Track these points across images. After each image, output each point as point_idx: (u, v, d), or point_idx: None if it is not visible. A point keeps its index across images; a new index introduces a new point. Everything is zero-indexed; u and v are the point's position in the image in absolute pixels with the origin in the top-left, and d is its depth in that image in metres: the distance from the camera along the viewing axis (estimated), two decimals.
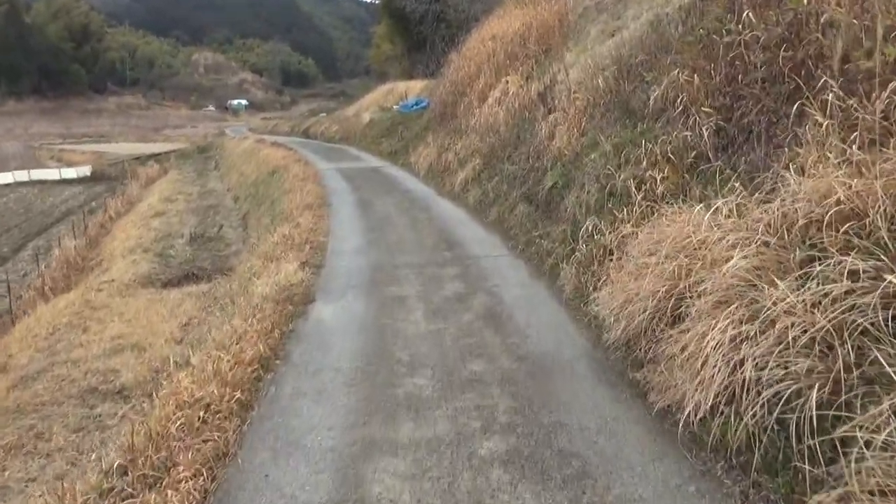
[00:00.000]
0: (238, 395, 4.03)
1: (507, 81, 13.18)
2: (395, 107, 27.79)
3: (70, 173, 45.74)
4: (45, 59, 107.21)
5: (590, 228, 5.99)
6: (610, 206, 5.88)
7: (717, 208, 4.14)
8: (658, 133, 6.23)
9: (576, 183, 7.41)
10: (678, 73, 6.41)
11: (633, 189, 5.59)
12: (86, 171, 45.84)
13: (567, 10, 15.77)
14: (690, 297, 3.68)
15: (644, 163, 5.86)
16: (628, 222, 5.28)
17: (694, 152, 5.47)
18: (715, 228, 3.91)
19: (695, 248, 3.91)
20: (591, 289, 5.35)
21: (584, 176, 7.31)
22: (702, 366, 3.24)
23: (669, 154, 5.66)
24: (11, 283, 17.16)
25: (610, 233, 5.48)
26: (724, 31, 5.95)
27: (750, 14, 5.53)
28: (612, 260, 5.20)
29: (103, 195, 34.88)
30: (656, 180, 5.43)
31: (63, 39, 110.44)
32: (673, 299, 3.84)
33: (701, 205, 4.43)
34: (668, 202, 5.11)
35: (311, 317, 5.71)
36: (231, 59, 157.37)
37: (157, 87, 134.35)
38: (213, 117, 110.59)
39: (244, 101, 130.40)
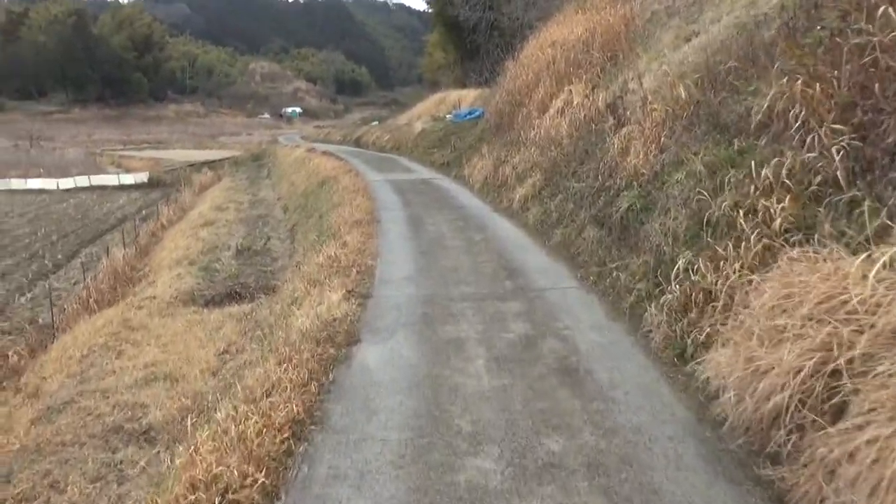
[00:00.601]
0: (262, 478, 3.26)
1: (571, 91, 12.28)
2: (447, 116, 27.14)
3: (128, 179, 46.70)
4: (108, 69, 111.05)
5: (683, 265, 5.06)
6: (709, 239, 4.93)
7: (870, 254, 3.20)
8: (766, 153, 5.26)
9: (658, 207, 6.47)
10: (787, 82, 5.44)
11: (741, 220, 4.64)
12: (143, 177, 46.70)
13: (634, 15, 14.81)
14: (854, 379, 2.74)
15: (750, 188, 4.89)
16: (738, 262, 4.33)
17: (819, 177, 4.49)
18: (878, 285, 2.96)
19: (852, 310, 2.97)
20: (688, 341, 4.42)
21: (668, 199, 6.36)
22: (886, 489, 2.32)
23: (785, 179, 4.69)
24: (63, 291, 17.10)
25: (712, 273, 4.54)
26: (850, 31, 4.97)
27: (891, 10, 4.55)
28: (716, 308, 4.27)
29: (158, 202, 35.27)
30: (771, 211, 4.47)
31: (126, 49, 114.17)
32: (825, 378, 2.91)
33: (832, 245, 3.50)
34: (790, 239, 4.15)
35: (354, 363, 4.93)
36: (286, 68, 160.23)
37: (215, 96, 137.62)
38: (268, 125, 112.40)
39: (298, 109, 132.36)
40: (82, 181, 46.56)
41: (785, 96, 5.24)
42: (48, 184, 46.12)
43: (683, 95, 7.81)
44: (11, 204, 38.59)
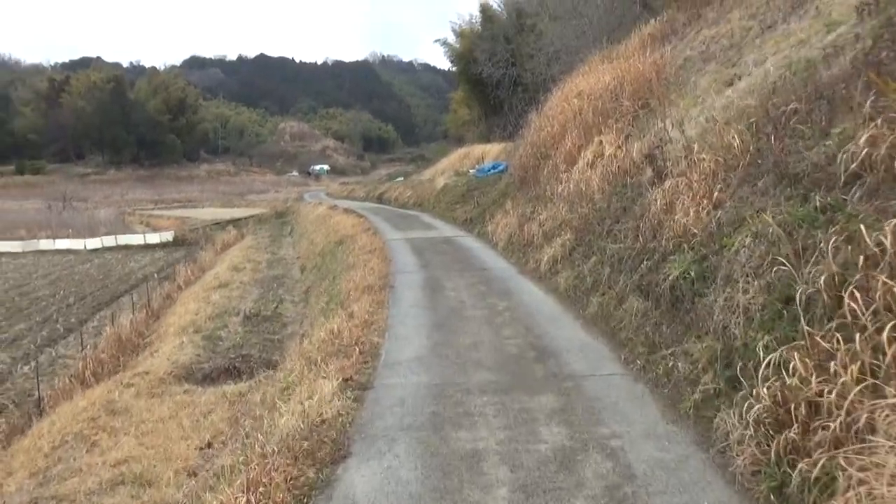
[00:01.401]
0: None
1: (601, 142, 11.29)
2: (470, 171, 26.40)
3: (153, 238, 46.74)
4: (144, 131, 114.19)
5: (765, 355, 3.85)
6: (806, 326, 3.72)
7: None
8: (862, 211, 4.10)
9: (719, 276, 5.30)
10: (882, 123, 4.35)
11: (850, 301, 3.45)
12: (168, 236, 46.72)
13: (665, 62, 13.93)
14: None
15: (858, 258, 3.72)
16: (855, 364, 3.13)
17: None
18: None
19: None
20: (793, 474, 3.19)
21: (731, 267, 5.20)
22: None
23: None
24: (69, 359, 16.22)
25: (815, 376, 3.34)
26: None
27: None
28: (830, 430, 3.05)
29: (180, 261, 34.92)
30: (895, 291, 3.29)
31: (161, 112, 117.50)
32: None
33: None
34: None
35: (336, 494, 3.76)
36: (315, 127, 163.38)
37: (246, 155, 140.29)
38: (296, 182, 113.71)
39: (326, 167, 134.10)
40: (109, 241, 46.71)
41: (889, 139, 4.12)
42: (76, 244, 46.37)
43: (736, 143, 6.73)
44: (37, 265, 38.62)
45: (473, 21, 44.65)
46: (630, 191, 9.04)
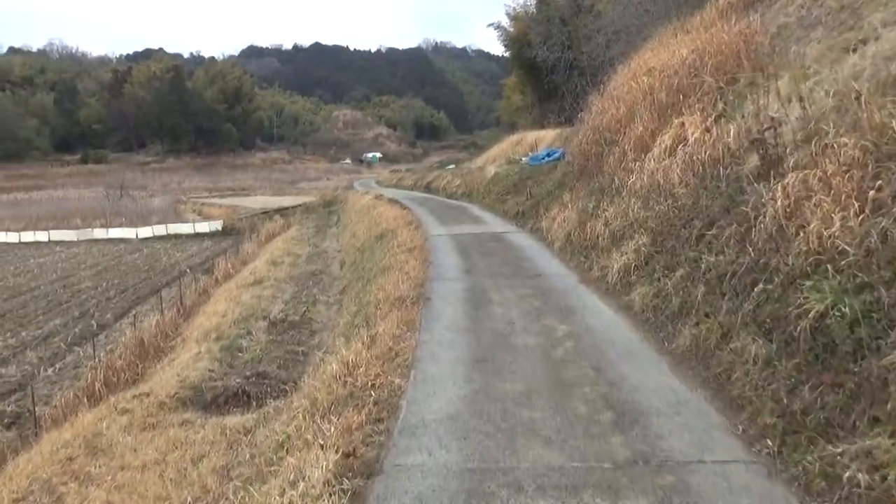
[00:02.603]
0: None
1: (683, 124, 9.33)
2: (523, 159, 24.53)
3: (203, 227, 46.58)
4: (201, 120, 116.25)
5: None
6: None
7: None
8: None
9: None
10: None
11: None
12: (217, 225, 46.48)
13: (754, 31, 11.83)
14: None
15: None
16: None
17: None
18: None
19: None
20: None
21: None
22: None
23: None
24: (91, 362, 15.23)
25: None
26: None
27: None
28: None
29: (226, 251, 34.29)
30: None
31: (218, 101, 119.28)
32: None
33: None
34: None
35: None
36: (368, 115, 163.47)
37: (300, 143, 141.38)
38: (349, 170, 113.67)
39: (378, 154, 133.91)
40: (160, 230, 46.85)
41: None
42: (128, 233, 46.70)
43: None
44: (88, 254, 38.76)
45: (528, 3, 42.86)
46: (726, 185, 7.14)
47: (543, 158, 22.30)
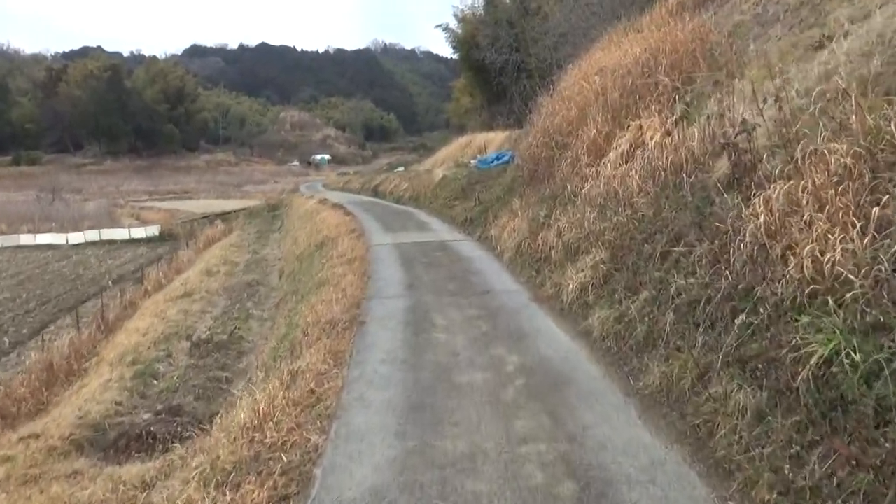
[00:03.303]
0: None
1: (641, 127, 8.63)
2: (471, 162, 23.80)
3: (139, 233, 44.33)
4: (141, 121, 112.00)
5: None
6: None
7: None
8: None
9: None
10: None
11: None
12: (154, 230, 44.28)
13: (709, 29, 11.36)
14: None
15: None
16: None
17: None
18: None
19: None
20: None
21: None
22: None
23: None
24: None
25: None
26: None
27: None
28: None
29: (162, 257, 32.49)
30: None
31: (159, 101, 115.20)
32: None
33: None
34: None
35: None
36: (316, 116, 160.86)
37: (247, 145, 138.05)
38: (297, 172, 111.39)
39: (327, 156, 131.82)
40: (92, 235, 44.39)
41: None
42: (58, 239, 44.03)
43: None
44: (11, 262, 36.17)
45: (476, 5, 42.46)
46: (692, 195, 6.42)
47: (492, 162, 21.60)
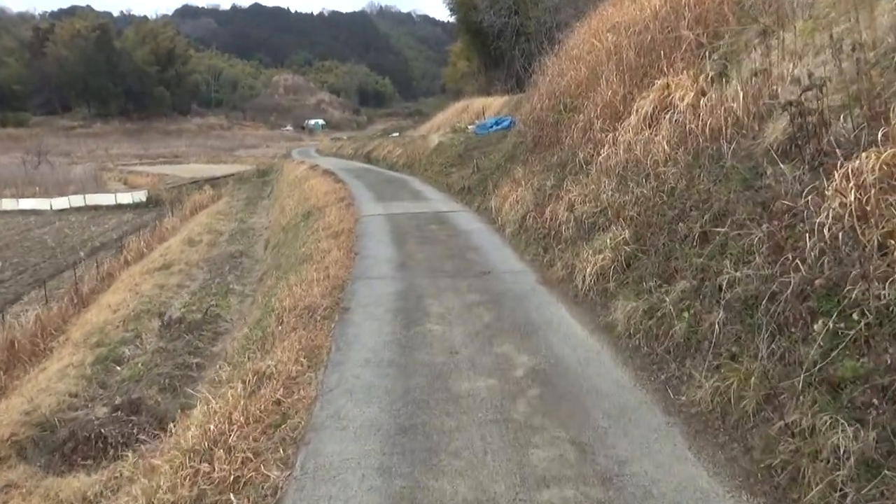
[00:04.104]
0: None
1: (669, 86, 7.52)
2: (469, 127, 22.60)
3: (125, 198, 42.96)
4: (131, 83, 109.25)
5: None
6: None
7: None
8: None
9: None
10: None
11: None
12: (141, 196, 42.90)
13: None
14: None
15: None
16: None
17: None
18: None
19: None
20: None
21: None
22: None
23: None
24: None
25: None
26: None
27: None
28: None
29: (149, 224, 31.31)
30: None
31: (149, 63, 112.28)
32: None
33: None
34: None
35: None
36: (310, 80, 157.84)
37: (239, 108, 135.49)
38: (290, 137, 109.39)
39: (321, 121, 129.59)
40: (77, 201, 43.01)
41: None
42: (41, 204, 42.66)
43: None
44: None
45: None
46: (738, 164, 5.38)
47: (491, 127, 20.47)
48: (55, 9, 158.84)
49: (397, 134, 45.49)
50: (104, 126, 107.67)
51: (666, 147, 6.71)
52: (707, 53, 8.29)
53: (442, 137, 22.02)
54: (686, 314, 4.54)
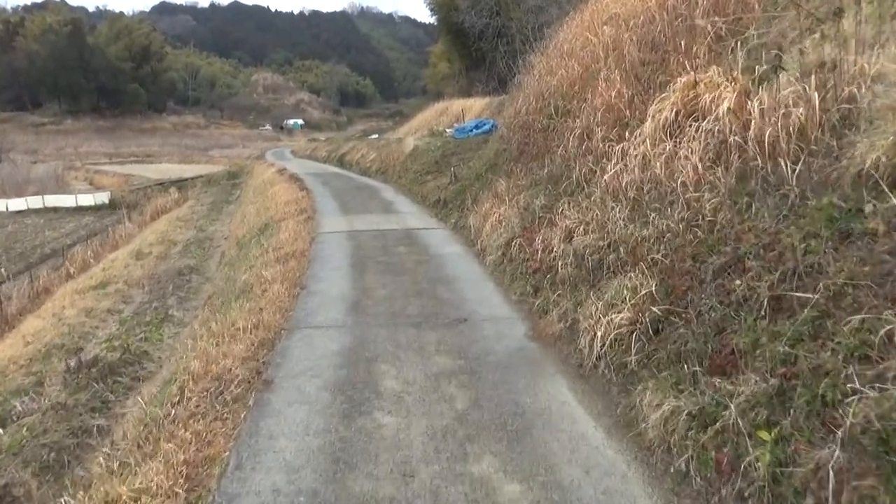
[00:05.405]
0: None
1: (696, 84, 5.90)
2: (447, 130, 20.98)
3: (86, 200, 40.62)
4: (104, 79, 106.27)
5: None
6: None
7: None
8: None
9: None
10: None
11: None
12: (103, 197, 40.59)
13: None
14: None
15: None
16: None
17: None
18: None
19: None
20: None
21: None
22: None
23: None
24: None
25: None
26: None
27: None
28: None
29: (108, 229, 29.19)
30: None
31: (123, 59, 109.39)
32: None
33: None
34: None
35: None
36: (290, 80, 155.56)
37: (217, 107, 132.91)
38: (268, 136, 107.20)
39: (300, 121, 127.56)
40: (35, 202, 40.65)
41: None
42: None
43: None
44: None
45: None
46: (811, 192, 3.78)
47: (471, 131, 18.90)
48: (28, 2, 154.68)
49: (376, 136, 43.77)
50: (75, 123, 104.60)
51: (698, 164, 5.09)
52: (737, 45, 6.71)
53: (418, 141, 20.31)
54: (767, 437, 2.90)
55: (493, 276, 7.64)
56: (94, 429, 6.81)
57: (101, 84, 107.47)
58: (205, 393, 4.55)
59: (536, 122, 10.88)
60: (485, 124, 19.23)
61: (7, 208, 39.58)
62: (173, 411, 4.46)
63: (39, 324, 11.51)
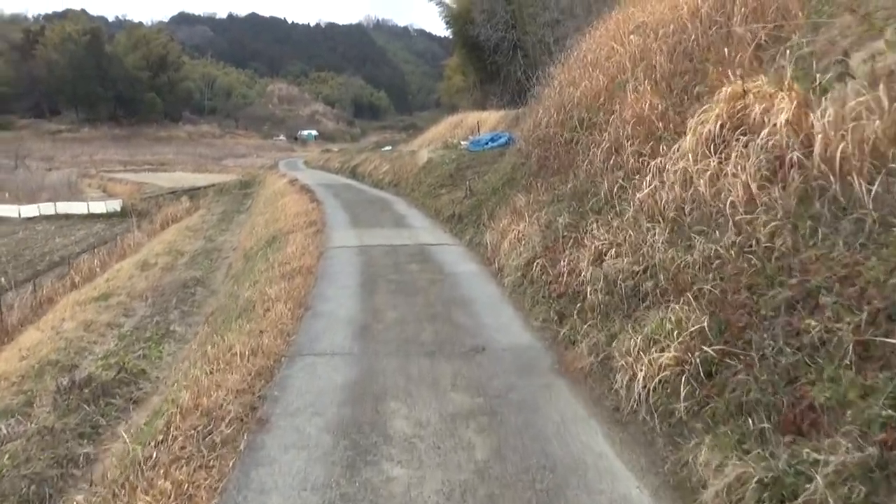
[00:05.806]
0: None
1: (745, 94, 5.34)
2: (462, 143, 20.50)
3: (98, 208, 40.59)
4: (121, 88, 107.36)
5: None
6: None
7: None
8: None
9: None
10: None
11: None
12: (115, 205, 40.55)
13: None
14: None
15: None
16: None
17: None
18: None
19: None
20: None
21: None
22: None
23: None
24: None
25: None
26: None
27: None
28: None
29: (118, 237, 28.94)
30: None
31: (140, 69, 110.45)
32: None
33: None
34: None
35: None
36: (305, 91, 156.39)
37: (233, 117, 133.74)
38: (282, 147, 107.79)
39: (314, 132, 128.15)
40: (48, 209, 40.69)
41: None
42: (9, 211, 40.30)
43: None
44: None
45: None
46: (893, 218, 3.22)
47: (487, 144, 18.45)
48: (49, 11, 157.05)
49: (389, 148, 43.46)
50: (92, 131, 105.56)
51: (749, 183, 4.53)
52: (782, 54, 6.16)
53: (432, 153, 19.85)
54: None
55: (512, 299, 7.09)
56: (81, 457, 6.29)
57: (119, 93, 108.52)
58: (192, 431, 4.03)
59: (558, 135, 10.36)
60: (501, 137, 18.79)
61: (20, 214, 39.64)
62: (155, 453, 3.92)
63: (38, 336, 11.08)
